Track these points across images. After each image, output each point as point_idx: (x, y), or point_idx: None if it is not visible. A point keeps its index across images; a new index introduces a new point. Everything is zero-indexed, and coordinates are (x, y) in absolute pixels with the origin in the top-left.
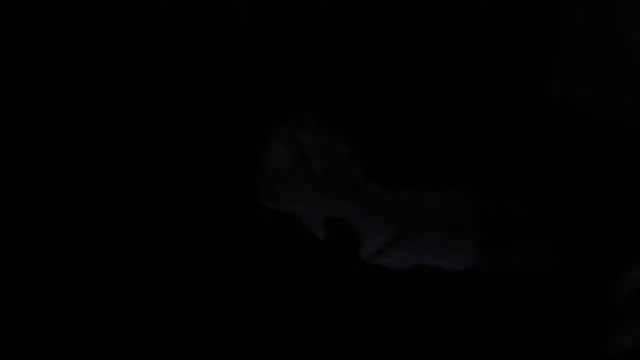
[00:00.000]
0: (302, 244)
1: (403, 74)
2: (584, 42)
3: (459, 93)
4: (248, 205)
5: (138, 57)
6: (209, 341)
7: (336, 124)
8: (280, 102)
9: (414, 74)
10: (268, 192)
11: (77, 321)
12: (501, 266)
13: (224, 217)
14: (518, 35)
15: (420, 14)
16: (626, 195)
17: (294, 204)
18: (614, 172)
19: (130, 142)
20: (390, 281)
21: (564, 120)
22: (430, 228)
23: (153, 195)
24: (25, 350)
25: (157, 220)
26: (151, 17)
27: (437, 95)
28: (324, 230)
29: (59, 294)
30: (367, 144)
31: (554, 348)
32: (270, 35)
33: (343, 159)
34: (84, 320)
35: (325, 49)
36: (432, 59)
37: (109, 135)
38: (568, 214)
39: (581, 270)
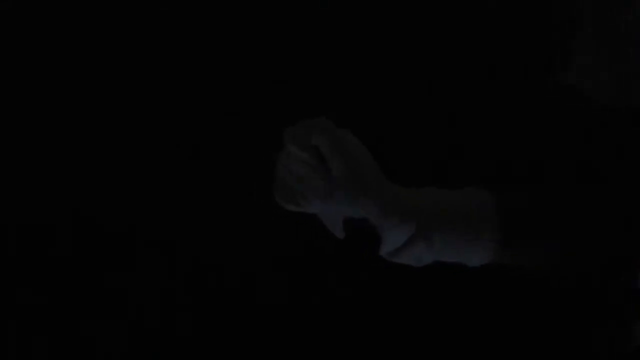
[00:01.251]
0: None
1: (415, 69)
2: (598, 28)
3: (471, 86)
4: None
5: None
6: None
7: (352, 124)
8: (292, 103)
9: (425, 68)
10: (285, 194)
11: None
12: (520, 261)
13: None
14: (530, 22)
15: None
16: None
17: (311, 205)
18: (629, 161)
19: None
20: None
21: (579, 109)
22: (449, 225)
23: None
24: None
25: None
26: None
27: (451, 89)
28: (343, 229)
29: None
30: (383, 142)
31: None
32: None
33: (360, 159)
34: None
35: (338, 47)
36: (447, 48)
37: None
38: (585, 206)
39: (597, 264)
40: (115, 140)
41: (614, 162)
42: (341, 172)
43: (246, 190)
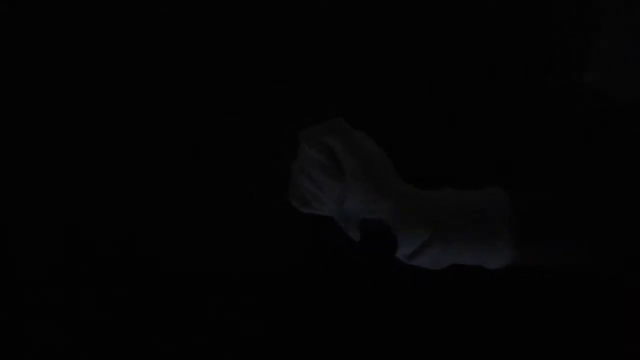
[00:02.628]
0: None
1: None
2: (620, 28)
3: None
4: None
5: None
6: None
7: (367, 125)
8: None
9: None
10: (300, 197)
11: None
12: (538, 262)
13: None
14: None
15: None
16: None
17: (326, 207)
18: None
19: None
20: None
21: (600, 108)
22: (466, 226)
23: None
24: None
25: None
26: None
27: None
28: (359, 231)
29: None
30: (399, 144)
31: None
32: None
33: (375, 160)
34: None
35: (350, 51)
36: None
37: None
38: (603, 205)
39: (615, 264)
40: (115, 140)
41: (633, 159)
42: (356, 174)
43: (246, 190)
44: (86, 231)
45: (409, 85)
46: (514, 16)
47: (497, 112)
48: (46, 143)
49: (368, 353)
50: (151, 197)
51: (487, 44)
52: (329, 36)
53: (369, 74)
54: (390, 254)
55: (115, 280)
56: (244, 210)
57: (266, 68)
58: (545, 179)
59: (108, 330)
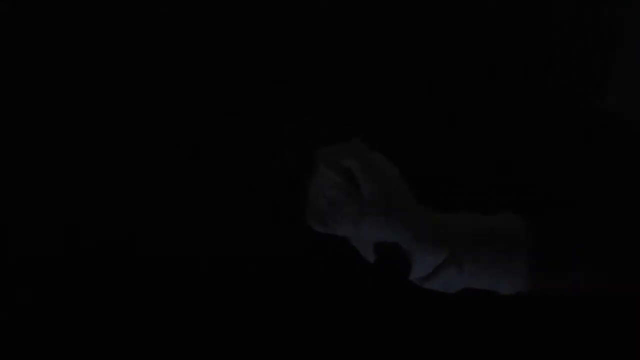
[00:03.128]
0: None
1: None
2: (638, 51)
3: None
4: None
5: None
6: None
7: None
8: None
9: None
10: (317, 217)
11: None
12: (554, 288)
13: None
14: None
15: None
16: None
17: (342, 228)
18: None
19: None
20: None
21: (618, 135)
22: (481, 250)
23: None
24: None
25: None
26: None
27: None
28: (373, 253)
29: None
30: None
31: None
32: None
33: (391, 182)
34: None
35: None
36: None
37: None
38: (622, 233)
39: (634, 292)
40: (115, 140)
41: None
42: (373, 196)
43: (246, 189)
44: (86, 231)
45: (409, 85)
46: (514, 16)
47: (497, 112)
48: (46, 143)
49: (368, 353)
50: (151, 197)
51: (487, 44)
52: (329, 36)
53: (369, 73)
54: (404, 276)
55: (115, 280)
56: (244, 210)
57: (266, 68)
58: (565, 206)
59: (108, 329)
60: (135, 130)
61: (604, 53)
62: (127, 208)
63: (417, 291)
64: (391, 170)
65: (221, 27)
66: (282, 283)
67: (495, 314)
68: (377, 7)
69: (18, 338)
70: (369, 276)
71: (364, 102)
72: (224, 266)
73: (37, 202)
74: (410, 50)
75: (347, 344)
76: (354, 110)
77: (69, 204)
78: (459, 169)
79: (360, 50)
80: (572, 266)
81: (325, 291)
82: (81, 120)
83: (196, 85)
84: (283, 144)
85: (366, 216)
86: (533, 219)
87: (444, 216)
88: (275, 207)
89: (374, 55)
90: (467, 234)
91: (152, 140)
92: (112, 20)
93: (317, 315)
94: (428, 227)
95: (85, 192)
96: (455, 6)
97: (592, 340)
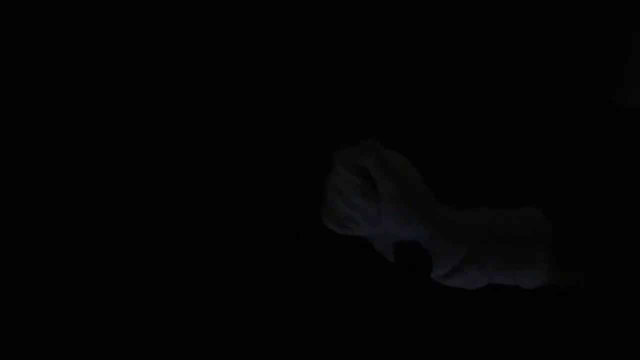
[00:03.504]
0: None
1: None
2: None
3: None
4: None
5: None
6: None
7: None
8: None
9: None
10: (335, 218)
11: None
12: (573, 283)
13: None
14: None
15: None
16: None
17: (361, 229)
18: None
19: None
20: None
21: (631, 124)
22: (502, 246)
23: None
24: None
25: None
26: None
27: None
28: (394, 252)
29: None
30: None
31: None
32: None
33: (409, 181)
34: None
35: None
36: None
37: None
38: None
39: None
40: (115, 140)
41: None
42: (391, 195)
43: (246, 189)
44: (86, 230)
45: (409, 85)
46: (514, 16)
47: (497, 112)
48: (46, 143)
49: (368, 353)
50: (151, 196)
51: (487, 44)
52: (329, 36)
53: (369, 73)
54: (425, 274)
55: (115, 279)
56: (244, 210)
57: (266, 68)
58: (584, 201)
59: (108, 329)
60: (136, 130)
61: (617, 50)
62: (127, 208)
63: (433, 289)
64: (409, 170)
65: (221, 27)
66: (282, 283)
67: (504, 312)
68: (377, 8)
69: (18, 338)
70: (377, 276)
71: (364, 102)
72: (224, 266)
73: (37, 202)
74: (411, 50)
75: (347, 344)
76: (354, 110)
77: (69, 204)
78: (459, 169)
79: (360, 50)
80: (593, 260)
81: (325, 291)
82: (81, 120)
83: (196, 85)
84: (283, 144)
85: (385, 216)
86: (554, 211)
87: (464, 214)
88: (276, 207)
89: (374, 55)
90: (488, 229)
91: (152, 140)
92: (112, 21)
93: (317, 315)
94: (448, 224)
95: (85, 192)
96: (455, 6)
97: (605, 338)
